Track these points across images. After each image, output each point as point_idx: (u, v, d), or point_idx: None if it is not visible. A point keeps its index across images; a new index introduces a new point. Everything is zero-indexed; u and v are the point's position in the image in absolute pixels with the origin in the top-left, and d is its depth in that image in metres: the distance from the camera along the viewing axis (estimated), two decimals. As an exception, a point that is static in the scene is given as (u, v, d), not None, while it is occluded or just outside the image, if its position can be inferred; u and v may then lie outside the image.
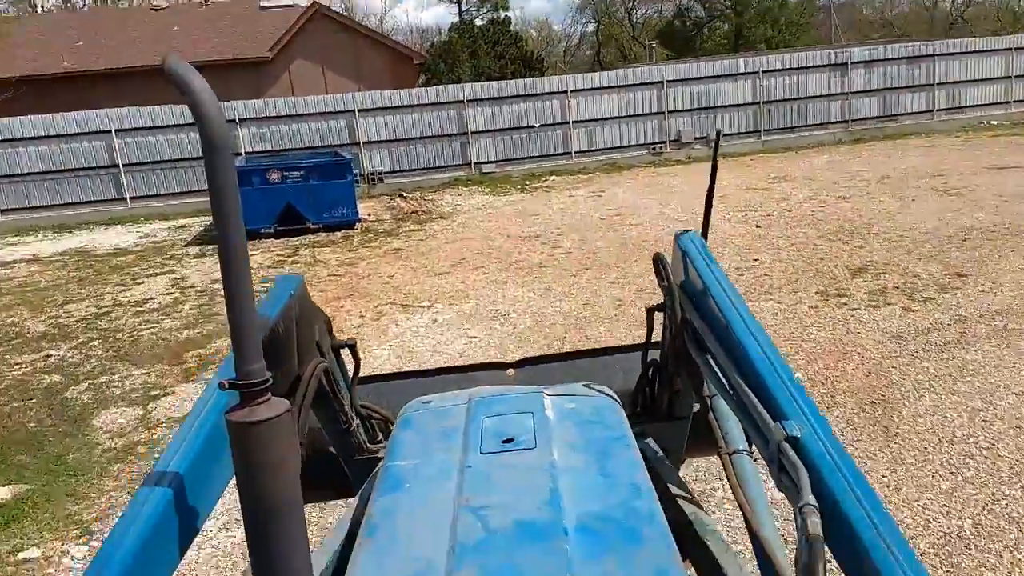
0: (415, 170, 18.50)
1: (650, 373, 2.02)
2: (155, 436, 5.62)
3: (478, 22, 37.85)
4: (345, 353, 1.96)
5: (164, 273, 11.35)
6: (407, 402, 1.72)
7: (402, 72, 25.40)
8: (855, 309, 7.15)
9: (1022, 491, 3.82)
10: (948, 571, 3.32)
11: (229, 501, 3.83)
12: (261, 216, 12.95)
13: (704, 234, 2.07)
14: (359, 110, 18.01)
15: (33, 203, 17.15)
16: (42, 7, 39.06)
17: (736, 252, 9.50)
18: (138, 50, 23.00)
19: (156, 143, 17.46)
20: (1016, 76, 21.28)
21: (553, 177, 18.04)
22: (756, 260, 9.18)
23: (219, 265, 0.93)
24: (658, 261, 1.92)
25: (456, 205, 15.40)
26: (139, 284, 10.77)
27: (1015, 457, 4.17)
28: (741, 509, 1.37)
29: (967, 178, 13.34)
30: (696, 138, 19.69)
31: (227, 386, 0.96)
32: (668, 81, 19.48)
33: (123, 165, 17.34)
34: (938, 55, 20.80)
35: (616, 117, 19.36)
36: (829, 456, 1.10)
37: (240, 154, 16.58)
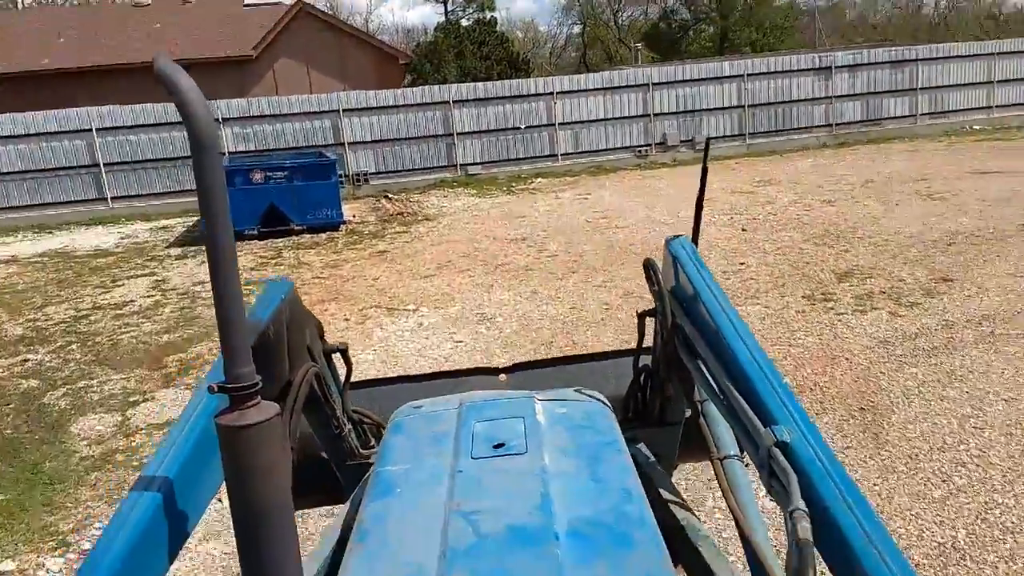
0: (400, 171, 18.39)
1: (642, 378, 2.01)
2: (134, 444, 5.50)
3: (464, 22, 37.80)
4: (337, 358, 1.93)
5: (145, 275, 11.19)
6: (399, 407, 1.72)
7: (387, 72, 25.28)
8: (842, 314, 7.13)
9: (1015, 499, 3.80)
10: (941, 582, 3.29)
11: (210, 510, 3.74)
12: (244, 217, 12.79)
13: (695, 239, 2.07)
14: (344, 110, 17.88)
15: (12, 203, 16.88)
16: (23, 3, 38.63)
17: (723, 256, 9.48)
18: (121, 48, 22.76)
19: (138, 142, 17.25)
20: (998, 81, 21.47)
21: (539, 179, 17.99)
22: (742, 264, 9.16)
23: (207, 266, 0.92)
24: (649, 266, 1.90)
25: (442, 207, 15.31)
26: (119, 286, 10.61)
27: (1007, 465, 4.15)
28: (732, 514, 1.37)
29: (951, 182, 13.41)
30: (682, 141, 19.71)
31: (216, 389, 0.95)
32: (654, 84, 19.49)
33: (104, 164, 17.12)
34: (921, 60, 20.94)
35: (602, 119, 19.35)
36: (819, 461, 1.10)
37: (224, 154, 16.40)
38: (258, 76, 23.75)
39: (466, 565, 1.10)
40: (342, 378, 1.95)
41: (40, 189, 16.97)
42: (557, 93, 18.98)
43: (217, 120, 16.93)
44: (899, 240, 9.70)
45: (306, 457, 1.93)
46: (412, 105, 18.34)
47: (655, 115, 19.55)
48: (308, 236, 13.16)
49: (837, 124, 20.58)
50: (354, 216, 14.66)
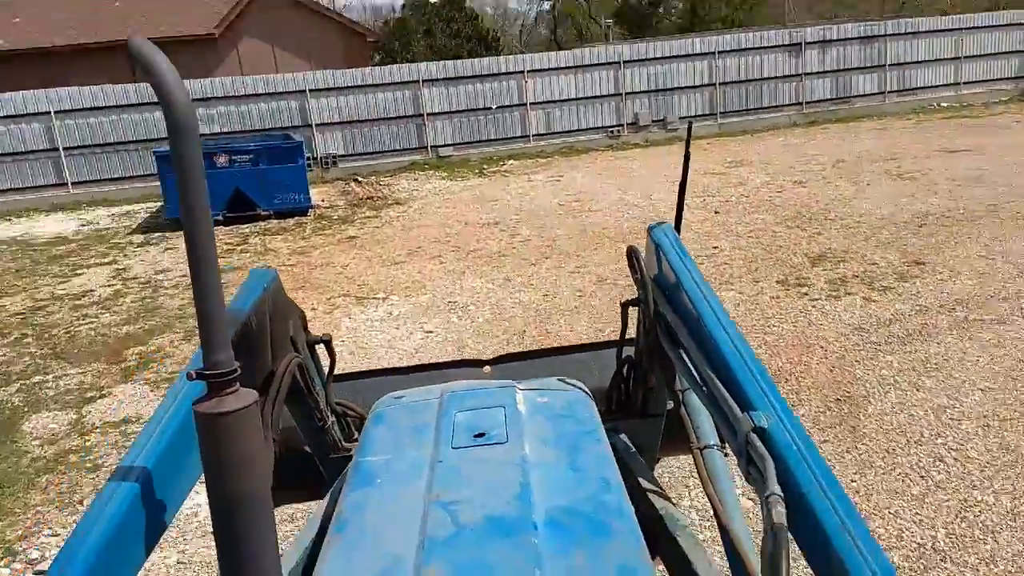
0: (370, 153, 18.06)
1: (625, 369, 2.01)
2: (88, 443, 5.29)
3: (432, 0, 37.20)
4: (322, 351, 1.93)
5: (106, 263, 10.87)
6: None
7: (355, 51, 24.80)
8: (816, 300, 7.08)
9: (994, 496, 3.75)
10: (922, 584, 3.22)
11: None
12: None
13: (677, 226, 2.07)
14: (311, 90, 17.48)
15: (-34, 189, 16.35)
16: (-25, -20, 37.33)
17: (695, 239, 9.39)
18: (77, 28, 22.06)
19: (98, 125, 16.72)
20: (966, 57, 21.54)
21: (511, 161, 17.78)
22: (716, 248, 9.08)
23: (185, 251, 0.89)
24: (632, 254, 1.89)
25: (413, 190, 15.06)
26: (79, 275, 10.29)
27: (985, 459, 4.10)
28: (711, 503, 1.38)
29: (920, 161, 13.44)
30: (653, 121, 19.58)
31: (194, 376, 0.93)
32: (625, 61, 19.29)
33: (64, 148, 16.57)
34: (889, 35, 20.92)
35: (574, 99, 19.13)
36: (795, 447, 1.10)
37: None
38: (222, 56, 23.17)
39: (444, 555, 1.10)
40: (326, 370, 1.95)
41: (-4, 174, 16.44)
42: (528, 71, 18.72)
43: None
44: (871, 222, 9.68)
45: (289, 450, 1.92)
46: (381, 85, 17.98)
47: (627, 94, 19.37)
48: (275, 221, 12.86)
49: (807, 102, 20.55)
50: (323, 200, 14.37)
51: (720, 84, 19.91)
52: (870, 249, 8.50)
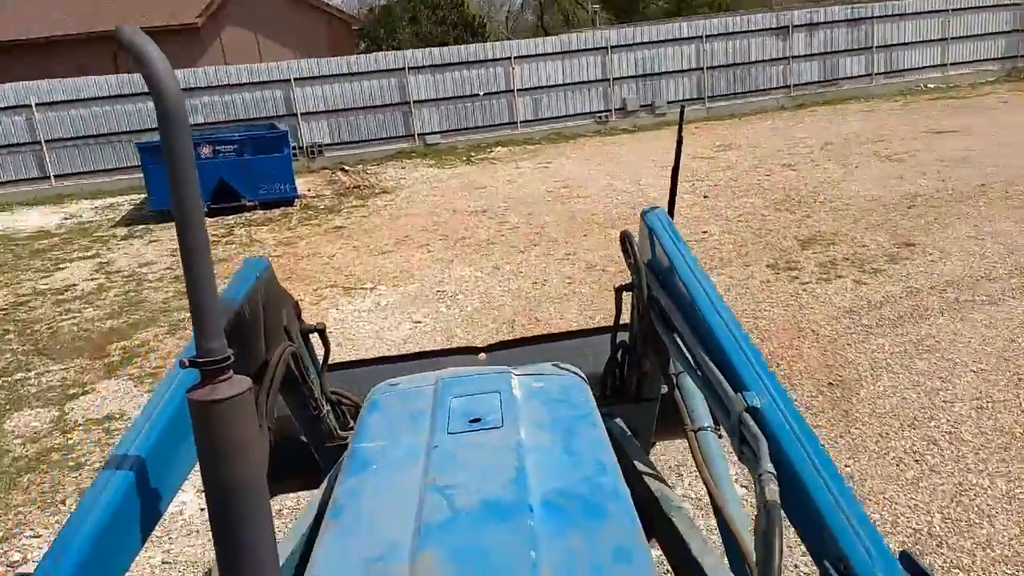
0: (357, 142, 17.90)
1: (619, 355, 2.03)
2: (71, 441, 5.20)
3: (417, -14, 36.83)
4: (315, 340, 1.92)
5: (89, 257, 10.72)
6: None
7: (340, 39, 24.57)
8: (807, 283, 7.03)
9: (989, 480, 3.71)
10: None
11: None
12: (193, 194, 12.28)
13: (670, 211, 2.08)
14: (295, 79, 17.30)
15: (-53, 183, 16.12)
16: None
17: (685, 224, 9.32)
18: (56, 18, 21.73)
19: (80, 117, 16.51)
20: (952, 38, 21.51)
21: (499, 148, 17.66)
22: (705, 232, 9.03)
23: (177, 241, 0.90)
24: (625, 239, 1.88)
25: (400, 179, 14.94)
26: (62, 269, 10.15)
27: (978, 442, 4.06)
28: (705, 485, 1.40)
29: (908, 143, 13.41)
30: (641, 106, 19.48)
31: (187, 364, 0.93)
32: (612, 46, 19.16)
33: (46, 141, 16.36)
34: (876, 17, 20.86)
35: (561, 85, 19.00)
36: (788, 426, 1.11)
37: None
38: (205, 45, 22.90)
39: (440, 539, 1.10)
40: (320, 359, 1.95)
41: (-24, 168, 16.21)
42: (515, 58, 18.58)
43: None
44: (860, 204, 9.63)
45: (284, 439, 1.94)
46: (366, 73, 17.80)
47: (614, 79, 19.26)
48: (261, 212, 12.72)
49: (795, 85, 20.50)
50: (309, 190, 14.23)
51: (708, 68, 19.83)
52: (860, 231, 8.46)
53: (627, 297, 1.91)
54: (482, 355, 2.33)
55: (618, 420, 1.95)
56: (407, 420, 1.49)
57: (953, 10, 21.46)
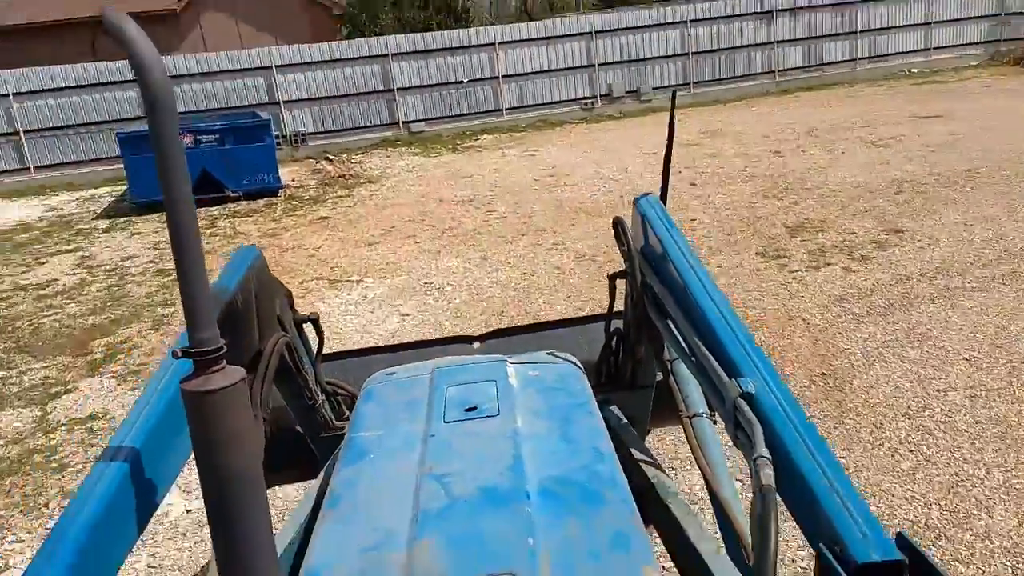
0: (341, 131, 17.71)
1: (614, 342, 2.02)
2: (53, 442, 5.10)
3: (400, -29, 36.42)
4: (309, 330, 1.92)
5: (71, 251, 10.55)
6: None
7: (321, 24, 24.30)
8: (796, 271, 7.01)
9: (986, 470, 3.70)
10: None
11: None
12: (174, 185, 12.10)
13: (663, 197, 2.08)
14: (277, 66, 17.07)
15: (-78, 176, 15.83)
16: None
17: (672, 212, 9.12)
18: (34, 4, 21.34)
19: (59, 106, 16.24)
20: (935, 23, 21.52)
21: (485, 135, 17.53)
22: (694, 220, 8.99)
23: (167, 230, 0.89)
24: (618, 225, 1.87)
25: (385, 168, 14.80)
26: (43, 264, 9.98)
27: (974, 431, 4.05)
28: (701, 471, 1.41)
29: (893, 128, 13.41)
30: (627, 92, 19.39)
31: (180, 354, 0.93)
32: (596, 32, 19.04)
33: (24, 132, 16.09)
34: (860, 2, 20.83)
35: (546, 71, 18.87)
36: (782, 410, 1.11)
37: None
38: (184, 33, 22.58)
39: (437, 527, 1.10)
40: (315, 349, 1.95)
41: (-48, 160, 15.93)
42: (499, 43, 18.42)
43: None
44: (847, 190, 9.62)
45: (280, 430, 1.90)
46: (349, 59, 17.59)
47: (599, 65, 19.15)
48: (245, 203, 12.57)
49: (780, 71, 20.46)
50: (293, 180, 14.07)
51: (693, 54, 19.75)
52: (848, 218, 8.45)
53: (621, 284, 1.90)
54: (477, 344, 2.32)
55: (614, 408, 1.95)
56: (403, 409, 1.48)
57: (936, -7, 21.48)
